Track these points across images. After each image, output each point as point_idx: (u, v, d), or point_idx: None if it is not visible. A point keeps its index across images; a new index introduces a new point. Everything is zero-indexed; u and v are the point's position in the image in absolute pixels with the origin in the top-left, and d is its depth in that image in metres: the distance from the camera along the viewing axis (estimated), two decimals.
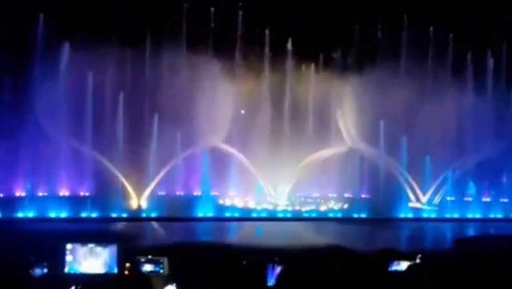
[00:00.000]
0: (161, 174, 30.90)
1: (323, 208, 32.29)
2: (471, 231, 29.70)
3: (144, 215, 29.28)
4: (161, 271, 10.73)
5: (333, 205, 32.67)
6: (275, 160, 32.79)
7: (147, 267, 10.71)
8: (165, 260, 10.81)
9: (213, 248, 12.75)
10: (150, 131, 30.62)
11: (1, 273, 9.22)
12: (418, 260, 11.19)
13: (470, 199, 34.96)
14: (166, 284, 9.97)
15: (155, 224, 27.55)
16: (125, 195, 30.34)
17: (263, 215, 30.58)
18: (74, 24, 30.33)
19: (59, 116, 29.63)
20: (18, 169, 30.47)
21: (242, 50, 34.08)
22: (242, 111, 33.61)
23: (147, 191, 30.71)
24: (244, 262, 10.44)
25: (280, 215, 30.88)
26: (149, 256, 10.77)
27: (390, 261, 11.20)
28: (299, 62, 34.88)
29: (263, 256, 10.46)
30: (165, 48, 33.05)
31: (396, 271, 11.07)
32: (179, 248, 12.58)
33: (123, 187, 30.58)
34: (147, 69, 33.51)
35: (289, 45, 34.50)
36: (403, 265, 11.09)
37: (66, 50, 30.34)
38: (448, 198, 33.74)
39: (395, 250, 12.03)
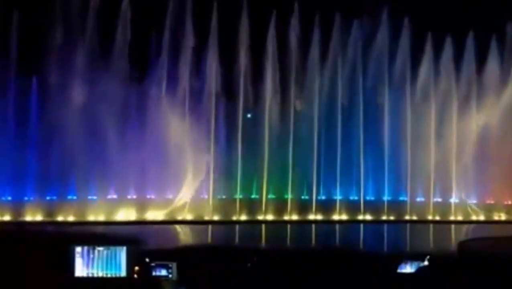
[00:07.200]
0: None
1: None
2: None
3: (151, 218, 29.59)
4: (170, 276, 10.95)
5: None
6: None
7: (156, 272, 10.92)
8: (174, 265, 11.02)
9: (218, 251, 12.90)
10: None
11: (13, 276, 9.40)
12: (426, 262, 11.15)
13: None
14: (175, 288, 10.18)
15: (163, 227, 27.84)
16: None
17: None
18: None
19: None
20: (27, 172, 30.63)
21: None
22: (249, 115, 33.41)
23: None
24: (248, 265, 10.59)
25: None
26: (159, 262, 10.98)
27: (399, 263, 11.22)
28: None
29: (268, 258, 10.60)
30: None
31: (404, 273, 11.06)
32: (186, 252, 12.75)
33: None
34: None
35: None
36: (411, 267, 11.11)
37: None
38: None
39: (404, 251, 11.96)
